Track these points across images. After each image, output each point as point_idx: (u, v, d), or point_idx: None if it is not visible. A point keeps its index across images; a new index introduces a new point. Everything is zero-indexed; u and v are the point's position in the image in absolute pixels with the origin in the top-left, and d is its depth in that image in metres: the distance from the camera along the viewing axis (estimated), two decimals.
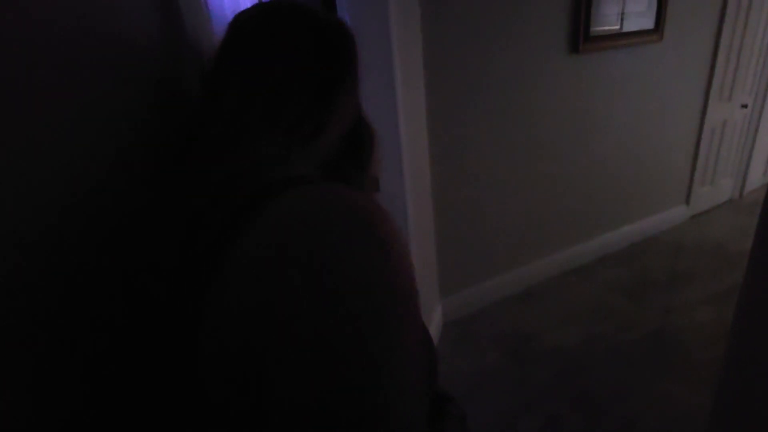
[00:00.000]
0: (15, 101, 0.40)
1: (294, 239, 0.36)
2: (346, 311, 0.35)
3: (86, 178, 0.48)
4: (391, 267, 0.37)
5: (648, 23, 2.24)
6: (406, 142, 1.53)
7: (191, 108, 0.58)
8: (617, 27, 2.16)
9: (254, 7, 0.52)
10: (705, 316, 2.09)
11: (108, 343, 0.49)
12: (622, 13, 2.15)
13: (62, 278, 0.44)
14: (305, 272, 0.35)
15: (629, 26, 2.19)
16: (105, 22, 0.51)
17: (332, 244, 0.36)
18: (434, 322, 2.00)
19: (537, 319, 2.14)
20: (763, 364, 0.76)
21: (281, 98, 0.47)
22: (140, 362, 0.48)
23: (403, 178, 1.53)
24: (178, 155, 0.50)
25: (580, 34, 2.03)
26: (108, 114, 0.51)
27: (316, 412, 0.35)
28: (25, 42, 0.41)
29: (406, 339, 0.38)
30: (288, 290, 0.35)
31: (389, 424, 0.36)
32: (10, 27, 0.39)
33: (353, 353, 0.35)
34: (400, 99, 1.46)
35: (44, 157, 0.42)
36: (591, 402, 1.68)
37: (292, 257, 0.36)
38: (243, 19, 0.51)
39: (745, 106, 2.93)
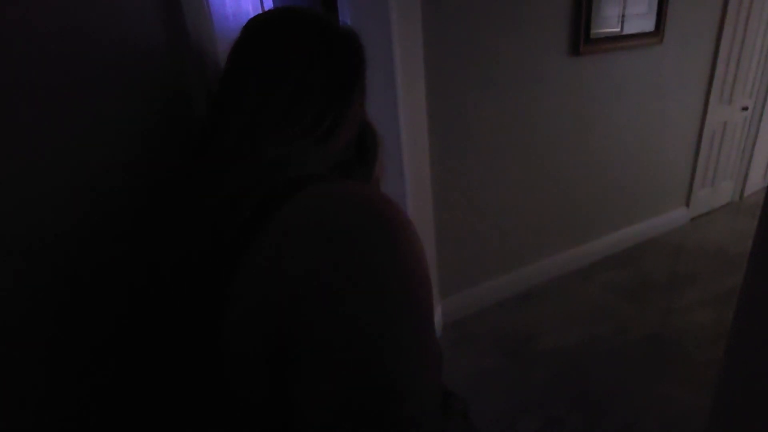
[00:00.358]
0: (18, 105, 0.40)
1: (311, 237, 0.37)
2: (364, 309, 0.35)
3: (97, 179, 0.48)
4: (407, 264, 0.38)
5: (648, 26, 2.25)
6: (406, 142, 1.53)
7: (207, 107, 0.59)
8: (618, 29, 2.16)
9: (268, 12, 0.54)
10: (705, 318, 2.09)
11: (122, 341, 0.49)
12: (623, 16, 2.15)
13: (74, 279, 0.44)
14: (321, 270, 0.36)
15: (630, 28, 2.19)
16: (106, 24, 0.52)
17: (349, 241, 0.36)
18: (434, 322, 2.00)
19: (537, 321, 2.14)
20: (763, 366, 0.77)
21: (296, 102, 0.48)
22: (157, 360, 0.48)
23: (403, 179, 1.53)
24: (194, 155, 0.50)
25: (581, 37, 2.03)
26: (112, 115, 0.51)
27: (337, 409, 0.36)
28: (26, 46, 0.41)
29: (422, 333, 0.38)
30: (305, 288, 0.36)
31: (412, 421, 0.36)
32: (11, 29, 0.39)
33: (372, 350, 0.35)
34: (400, 100, 1.46)
35: (52, 159, 0.43)
36: (590, 403, 1.68)
37: (311, 255, 0.36)
38: (258, 22, 0.53)
39: (745, 108, 2.93)
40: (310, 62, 0.49)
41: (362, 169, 0.57)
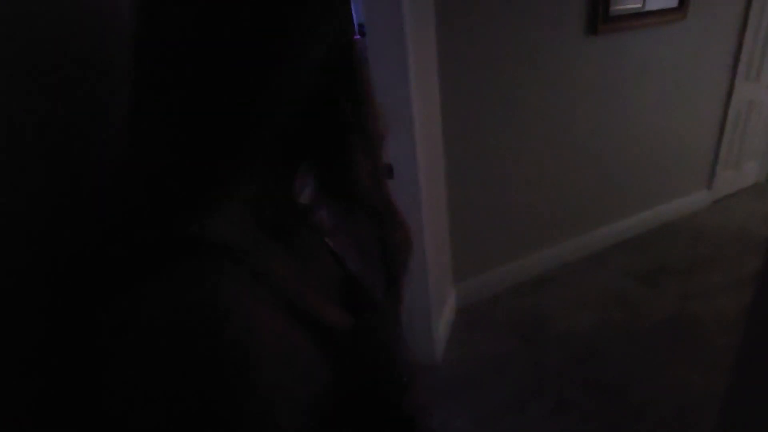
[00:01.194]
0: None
1: (142, 339, 0.32)
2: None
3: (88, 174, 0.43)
4: (233, 380, 0.33)
5: (671, 1, 2.16)
6: (419, 126, 1.52)
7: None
8: (639, 5, 2.08)
9: None
10: (725, 303, 2.05)
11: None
12: None
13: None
14: (147, 373, 0.32)
15: (652, 4, 2.11)
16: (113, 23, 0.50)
17: (172, 356, 0.32)
18: (447, 307, 2.02)
19: (551, 305, 2.14)
20: None
21: (202, 92, 0.34)
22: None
23: (416, 164, 1.53)
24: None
25: (599, 15, 1.97)
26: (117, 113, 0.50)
27: None
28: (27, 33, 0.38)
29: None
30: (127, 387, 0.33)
31: None
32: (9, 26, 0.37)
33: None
34: (412, 82, 1.45)
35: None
36: (603, 387, 1.69)
37: (138, 357, 0.32)
38: None
39: None
40: (217, 27, 0.33)
41: (336, 153, 0.42)
